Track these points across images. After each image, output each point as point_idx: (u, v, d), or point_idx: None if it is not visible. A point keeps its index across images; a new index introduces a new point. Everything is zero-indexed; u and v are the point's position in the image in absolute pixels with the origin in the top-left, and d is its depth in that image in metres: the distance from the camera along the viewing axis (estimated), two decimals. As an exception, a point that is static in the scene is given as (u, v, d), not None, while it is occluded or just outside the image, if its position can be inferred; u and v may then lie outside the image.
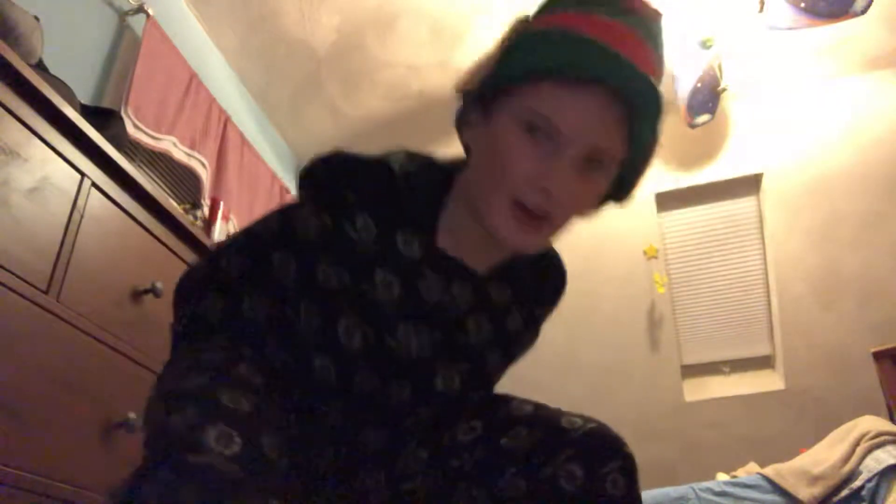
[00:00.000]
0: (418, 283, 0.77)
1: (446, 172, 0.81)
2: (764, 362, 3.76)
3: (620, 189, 0.76)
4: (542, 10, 0.72)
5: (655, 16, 0.71)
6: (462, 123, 0.78)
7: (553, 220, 0.71)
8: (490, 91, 0.72)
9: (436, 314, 0.79)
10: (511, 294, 0.85)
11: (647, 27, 0.69)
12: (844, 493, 2.58)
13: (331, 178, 0.82)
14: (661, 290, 3.55)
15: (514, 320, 0.86)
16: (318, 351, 0.77)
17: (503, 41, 0.71)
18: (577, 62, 0.65)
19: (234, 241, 0.86)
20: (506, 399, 0.85)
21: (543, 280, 0.90)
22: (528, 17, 0.72)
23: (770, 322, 3.64)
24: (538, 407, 0.83)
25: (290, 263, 0.79)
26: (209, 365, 0.68)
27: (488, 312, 0.83)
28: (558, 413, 0.81)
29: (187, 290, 0.85)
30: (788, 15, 2.35)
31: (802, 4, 2.29)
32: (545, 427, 0.78)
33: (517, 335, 0.88)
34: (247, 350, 0.75)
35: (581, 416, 0.80)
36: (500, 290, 0.84)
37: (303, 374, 0.77)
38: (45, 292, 1.15)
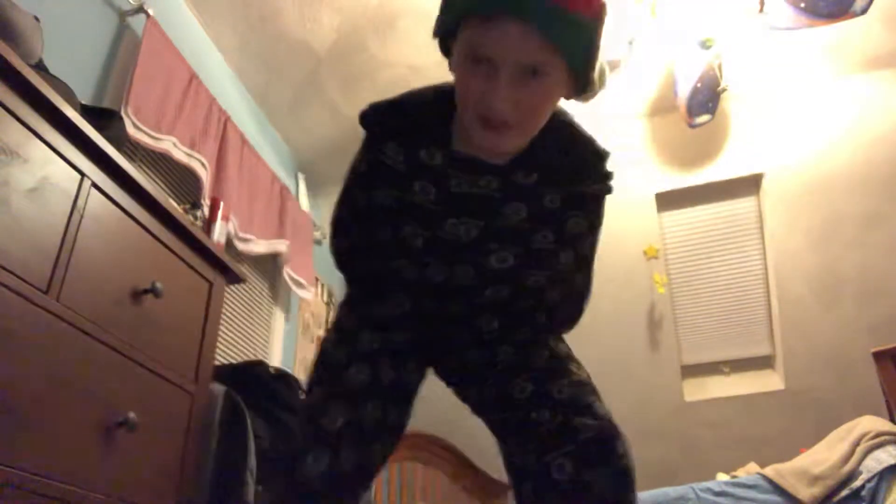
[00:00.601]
0: (449, 184, 0.98)
1: (450, 94, 0.93)
2: (764, 362, 3.76)
3: (578, 84, 0.91)
4: None
5: None
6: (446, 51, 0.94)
7: (512, 124, 0.86)
8: (442, 38, 0.91)
9: (473, 205, 0.98)
10: (538, 177, 0.98)
11: None
12: (844, 493, 2.58)
13: (365, 123, 1.04)
14: (661, 290, 3.55)
15: (552, 199, 1.00)
16: (398, 257, 1.03)
17: None
18: (484, 3, 0.80)
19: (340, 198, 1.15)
20: (561, 372, 1.03)
21: (570, 156, 1.00)
22: None
23: (770, 322, 3.64)
24: (574, 393, 1.00)
25: (360, 197, 1.07)
26: (332, 370, 1.02)
27: (519, 195, 0.98)
28: (583, 408, 0.97)
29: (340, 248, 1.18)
30: (788, 15, 2.35)
31: (802, 4, 2.29)
32: (563, 419, 0.95)
33: (561, 214, 1.01)
34: (366, 307, 1.08)
35: (597, 417, 0.96)
36: (525, 176, 0.98)
37: (397, 281, 1.05)
38: (45, 292, 1.15)
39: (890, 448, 2.58)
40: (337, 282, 3.83)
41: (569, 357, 1.08)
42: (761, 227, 3.49)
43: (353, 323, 1.09)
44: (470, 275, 1.02)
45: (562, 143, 0.99)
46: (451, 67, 0.91)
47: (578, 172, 1.01)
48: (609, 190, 1.06)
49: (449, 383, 1.17)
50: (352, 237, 1.14)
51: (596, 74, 0.91)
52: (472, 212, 0.99)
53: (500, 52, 0.81)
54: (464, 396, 1.15)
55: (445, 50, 0.92)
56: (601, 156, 1.03)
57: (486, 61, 0.82)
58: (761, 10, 2.40)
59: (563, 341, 1.13)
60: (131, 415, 1.28)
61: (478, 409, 1.11)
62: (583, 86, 0.92)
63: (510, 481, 1.02)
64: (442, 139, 0.98)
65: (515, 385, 1.02)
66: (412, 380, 1.09)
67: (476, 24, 0.81)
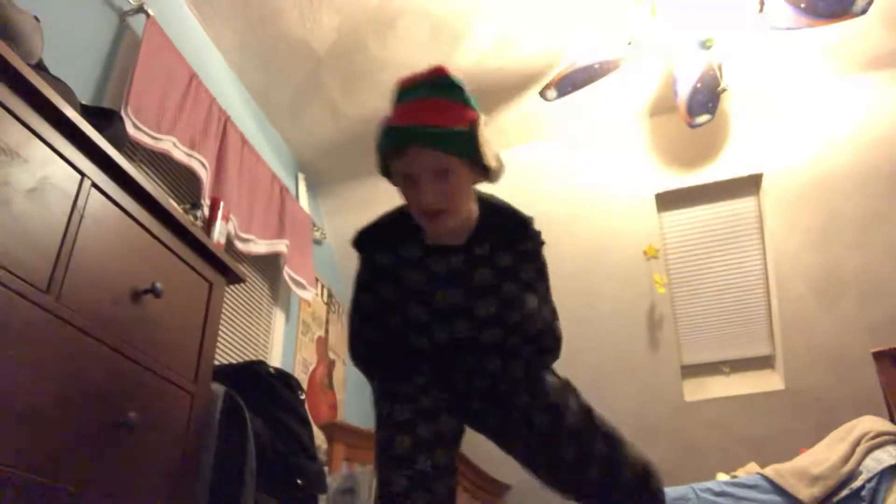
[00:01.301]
0: (429, 267, 1.31)
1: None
2: (764, 362, 3.76)
3: (480, 170, 1.22)
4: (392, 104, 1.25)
5: (428, 75, 1.24)
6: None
7: (443, 212, 1.20)
8: (383, 170, 1.26)
9: (451, 277, 1.30)
10: (489, 247, 1.31)
11: (418, 90, 1.21)
12: (844, 493, 2.59)
13: (358, 244, 1.37)
14: (661, 290, 3.55)
15: (504, 260, 1.32)
16: (413, 333, 1.34)
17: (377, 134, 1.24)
18: (389, 145, 1.19)
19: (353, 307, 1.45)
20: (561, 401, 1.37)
21: (504, 226, 1.33)
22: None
23: (770, 322, 3.65)
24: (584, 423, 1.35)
25: (368, 301, 1.40)
26: (383, 446, 1.27)
27: (481, 263, 1.31)
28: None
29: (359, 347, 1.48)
30: (788, 15, 2.35)
31: (802, 4, 2.29)
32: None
33: (514, 269, 1.33)
34: (400, 385, 1.34)
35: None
36: (481, 248, 1.31)
37: (414, 353, 1.35)
38: (45, 292, 1.15)
39: (890, 448, 2.59)
40: (336, 282, 3.83)
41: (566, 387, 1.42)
42: (761, 227, 3.49)
43: (387, 406, 1.33)
44: (466, 326, 1.31)
45: (496, 220, 1.33)
46: (396, 186, 1.26)
47: (513, 237, 1.34)
48: (539, 243, 1.37)
49: (486, 433, 1.45)
50: (367, 336, 1.42)
51: (493, 162, 1.22)
52: (452, 282, 1.30)
53: (415, 168, 1.16)
54: (501, 442, 1.44)
55: (390, 179, 1.27)
56: (525, 222, 1.35)
57: (411, 177, 1.18)
58: (761, 10, 2.40)
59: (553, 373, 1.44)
60: (131, 415, 1.28)
61: (516, 452, 1.43)
62: (484, 170, 1.22)
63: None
64: (415, 238, 1.31)
65: (534, 418, 1.35)
66: (447, 430, 1.32)
67: (396, 157, 1.18)
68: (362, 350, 1.44)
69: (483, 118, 1.20)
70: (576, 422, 1.33)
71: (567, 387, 1.40)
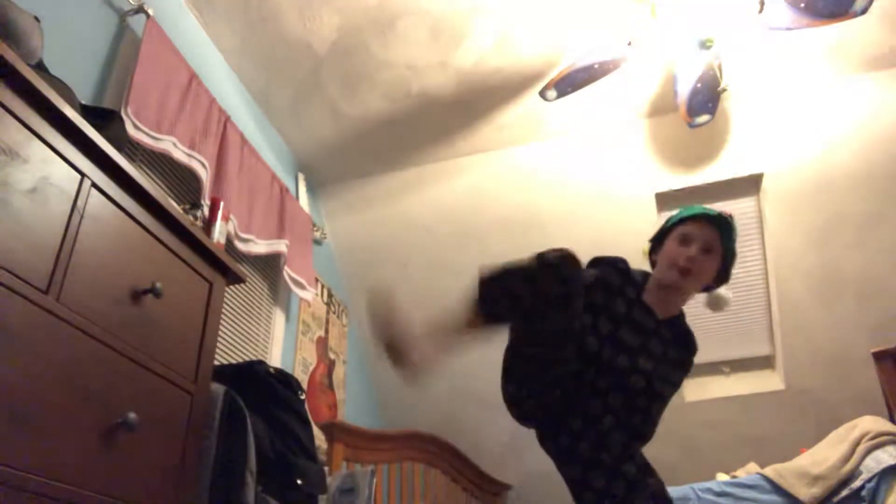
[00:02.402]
0: (633, 310, 1.62)
1: (647, 273, 1.69)
2: (764, 362, 3.76)
3: (723, 272, 1.65)
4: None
5: (729, 216, 1.66)
6: (651, 254, 1.72)
7: (692, 275, 1.58)
8: (663, 234, 1.69)
9: (639, 329, 1.60)
10: (673, 335, 1.65)
11: (726, 217, 1.65)
12: (844, 493, 2.59)
13: (601, 261, 1.72)
14: (661, 290, 3.55)
15: (674, 352, 1.64)
16: (594, 336, 1.56)
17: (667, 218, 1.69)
18: (695, 212, 1.63)
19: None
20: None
21: (687, 336, 1.69)
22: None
23: (770, 322, 3.65)
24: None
25: (580, 299, 1.51)
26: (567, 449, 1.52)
27: (660, 340, 1.61)
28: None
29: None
30: (788, 15, 2.35)
31: (802, 4, 2.29)
32: None
33: (674, 363, 1.63)
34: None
35: None
36: (668, 331, 1.64)
37: (590, 350, 1.56)
38: (45, 292, 1.15)
39: (890, 448, 2.59)
40: (336, 282, 3.83)
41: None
42: (761, 227, 3.49)
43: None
44: (625, 362, 1.55)
45: (686, 328, 1.69)
46: (656, 257, 1.68)
47: (687, 346, 1.67)
48: (691, 366, 1.69)
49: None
50: (542, 327, 1.54)
51: (721, 293, 1.67)
52: (638, 331, 1.60)
53: (698, 235, 1.59)
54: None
55: (651, 252, 1.72)
56: (697, 346, 1.69)
57: (689, 240, 1.59)
58: (761, 10, 2.40)
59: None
60: (131, 415, 1.28)
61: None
62: (723, 276, 1.65)
63: None
64: (637, 289, 1.65)
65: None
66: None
67: (686, 225, 1.62)
68: (532, 342, 1.54)
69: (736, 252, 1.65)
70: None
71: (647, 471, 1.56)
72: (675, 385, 1.64)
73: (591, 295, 1.58)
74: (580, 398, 1.54)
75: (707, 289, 1.67)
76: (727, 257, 1.62)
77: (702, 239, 1.58)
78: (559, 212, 3.55)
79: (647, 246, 3.71)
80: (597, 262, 1.68)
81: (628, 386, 1.54)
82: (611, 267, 1.66)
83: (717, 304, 1.68)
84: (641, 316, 1.61)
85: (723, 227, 1.59)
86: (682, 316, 1.69)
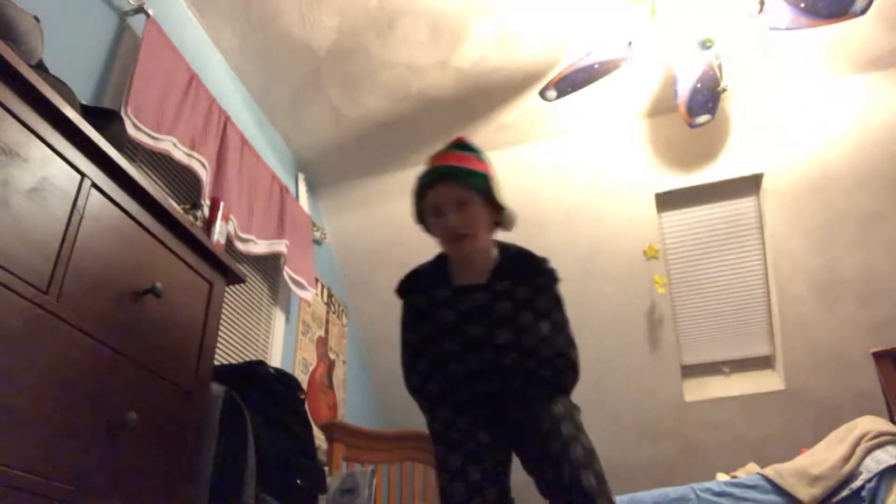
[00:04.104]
0: (458, 305, 1.56)
1: (440, 255, 1.64)
2: (764, 362, 3.76)
3: (494, 208, 1.55)
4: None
5: (450, 142, 1.62)
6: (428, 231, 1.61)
7: (466, 236, 1.50)
8: (420, 212, 1.60)
9: (476, 312, 1.54)
10: (509, 283, 1.55)
11: (442, 150, 1.60)
12: (844, 493, 2.58)
13: (400, 289, 1.67)
14: (661, 291, 3.55)
15: (522, 293, 1.54)
16: (452, 360, 1.54)
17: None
18: (422, 183, 1.56)
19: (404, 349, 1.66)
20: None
21: (521, 264, 1.58)
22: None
23: (770, 322, 3.65)
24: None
25: (413, 338, 1.62)
26: (453, 447, 1.50)
27: (502, 297, 1.54)
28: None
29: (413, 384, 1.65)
30: (788, 15, 2.35)
31: (802, 5, 2.29)
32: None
33: (531, 300, 1.54)
34: (444, 412, 1.57)
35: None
36: (501, 284, 1.55)
37: (458, 373, 1.54)
38: (45, 292, 1.15)
39: (890, 448, 2.58)
40: (336, 282, 3.83)
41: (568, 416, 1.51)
42: (761, 227, 3.49)
43: (440, 429, 1.55)
44: (490, 353, 1.51)
45: (514, 259, 1.58)
46: (429, 229, 1.58)
47: (529, 273, 1.57)
48: (553, 279, 1.59)
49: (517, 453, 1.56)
50: (420, 369, 1.59)
51: (507, 212, 1.56)
52: (477, 316, 1.53)
53: (441, 199, 1.50)
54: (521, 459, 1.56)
55: (424, 227, 1.61)
56: (539, 259, 1.59)
57: (439, 209, 1.50)
58: (761, 11, 2.40)
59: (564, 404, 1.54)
60: (131, 415, 1.28)
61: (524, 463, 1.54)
62: (498, 210, 1.54)
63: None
64: (445, 281, 1.59)
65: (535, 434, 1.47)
66: (488, 448, 1.50)
67: (427, 194, 1.53)
68: (418, 382, 1.61)
69: (494, 170, 1.55)
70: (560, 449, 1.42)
71: (571, 415, 1.49)
72: (550, 308, 1.56)
73: (420, 328, 1.59)
74: (502, 409, 1.53)
75: (496, 224, 1.58)
76: (483, 191, 1.50)
77: (448, 200, 1.48)
78: (559, 211, 3.54)
79: (647, 246, 3.73)
80: (398, 294, 1.66)
81: (505, 365, 1.50)
82: (411, 290, 1.63)
83: (509, 224, 1.57)
84: (470, 300, 1.55)
85: (456, 176, 1.49)
86: (501, 252, 1.59)
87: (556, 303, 1.58)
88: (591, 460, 1.40)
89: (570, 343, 1.56)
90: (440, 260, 1.63)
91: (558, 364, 1.52)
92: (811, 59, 2.98)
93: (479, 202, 1.50)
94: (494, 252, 1.58)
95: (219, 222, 2.00)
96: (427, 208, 1.54)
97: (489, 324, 1.52)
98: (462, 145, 1.60)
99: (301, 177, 3.58)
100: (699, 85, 2.72)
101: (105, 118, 1.60)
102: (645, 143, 3.37)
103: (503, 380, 1.52)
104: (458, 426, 1.51)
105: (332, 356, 3.56)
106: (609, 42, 2.62)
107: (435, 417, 1.58)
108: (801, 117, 3.18)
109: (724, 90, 2.76)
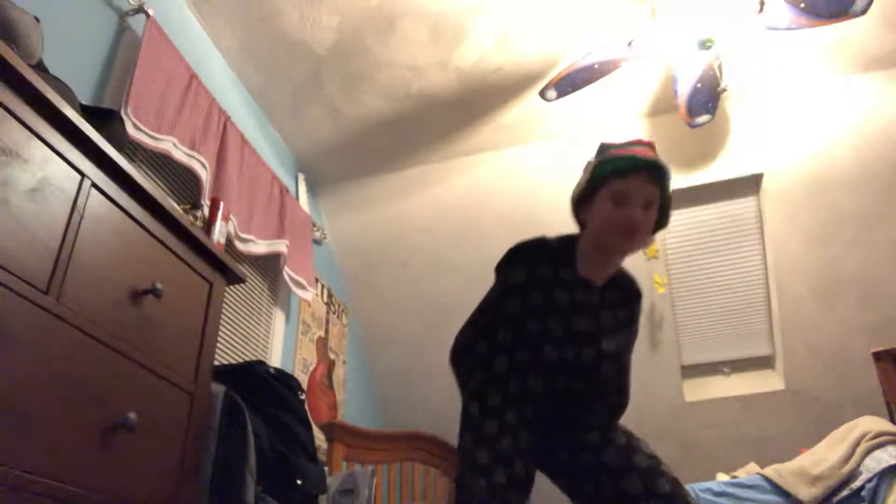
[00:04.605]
0: (575, 294, 1.45)
1: (573, 238, 1.51)
2: (764, 362, 3.76)
3: (661, 219, 1.46)
4: (603, 150, 1.48)
5: (652, 144, 1.49)
6: (577, 213, 1.52)
7: (638, 236, 1.39)
8: (592, 190, 1.45)
9: (586, 308, 1.45)
10: (618, 296, 1.50)
11: (639, 145, 1.46)
12: (844, 493, 2.58)
13: (523, 253, 1.51)
14: (661, 291, 3.55)
15: (620, 313, 1.50)
16: (547, 343, 1.41)
17: (591, 166, 1.47)
18: (621, 166, 1.39)
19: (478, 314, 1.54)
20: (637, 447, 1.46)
21: (629, 287, 1.53)
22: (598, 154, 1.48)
23: (770, 322, 3.65)
24: (651, 462, 1.42)
25: (514, 303, 1.45)
26: (487, 440, 1.33)
27: (607, 308, 1.48)
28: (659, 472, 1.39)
29: (462, 346, 1.53)
30: (788, 15, 2.35)
31: (802, 5, 2.29)
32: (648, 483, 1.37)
33: (625, 323, 1.50)
34: (505, 397, 1.40)
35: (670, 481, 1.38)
36: (611, 294, 1.50)
37: (541, 360, 1.41)
38: (45, 292, 1.15)
39: (890, 448, 2.58)
40: (336, 282, 3.83)
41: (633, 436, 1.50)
42: (761, 227, 3.49)
43: (498, 405, 1.39)
44: (592, 352, 1.43)
45: (626, 280, 1.53)
46: (586, 214, 1.47)
47: (631, 299, 1.53)
48: (640, 310, 1.55)
49: (552, 471, 1.50)
50: (499, 338, 1.45)
51: (667, 221, 1.48)
52: (588, 313, 1.45)
53: (633, 191, 1.37)
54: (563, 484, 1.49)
55: (577, 211, 1.51)
56: (640, 291, 1.55)
57: (626, 199, 1.38)
58: (761, 10, 2.40)
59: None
60: (131, 415, 1.28)
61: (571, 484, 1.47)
62: (661, 224, 1.47)
63: None
64: (571, 265, 1.48)
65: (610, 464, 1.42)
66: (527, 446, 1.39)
67: (618, 181, 1.39)
68: (486, 348, 1.46)
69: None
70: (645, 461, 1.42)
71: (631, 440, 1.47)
72: (632, 343, 1.54)
73: (529, 297, 1.44)
74: (559, 411, 1.45)
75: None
76: (666, 204, 1.44)
77: (642, 196, 1.37)
78: (559, 212, 3.53)
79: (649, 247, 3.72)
80: (516, 254, 1.51)
81: (601, 377, 1.44)
82: (537, 256, 1.48)
83: (649, 242, 1.51)
84: (585, 295, 1.45)
85: (660, 176, 1.40)
86: (619, 270, 1.54)
87: (636, 335, 1.56)
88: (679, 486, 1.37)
89: (630, 378, 1.53)
90: (570, 242, 1.50)
91: (624, 398, 1.51)
92: (811, 59, 2.98)
93: (657, 211, 1.42)
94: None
95: (219, 222, 2.00)
96: (608, 192, 1.40)
97: (596, 326, 1.44)
98: (655, 149, 1.49)
99: (301, 177, 3.58)
100: (699, 85, 2.72)
101: (105, 118, 1.60)
102: (645, 143, 3.37)
103: (588, 385, 1.44)
104: (507, 419, 1.36)
105: (332, 356, 3.56)
106: (609, 42, 2.62)
107: (483, 400, 1.40)
108: (801, 117, 3.18)
109: (724, 90, 2.76)
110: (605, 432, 1.45)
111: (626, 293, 1.52)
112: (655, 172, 1.38)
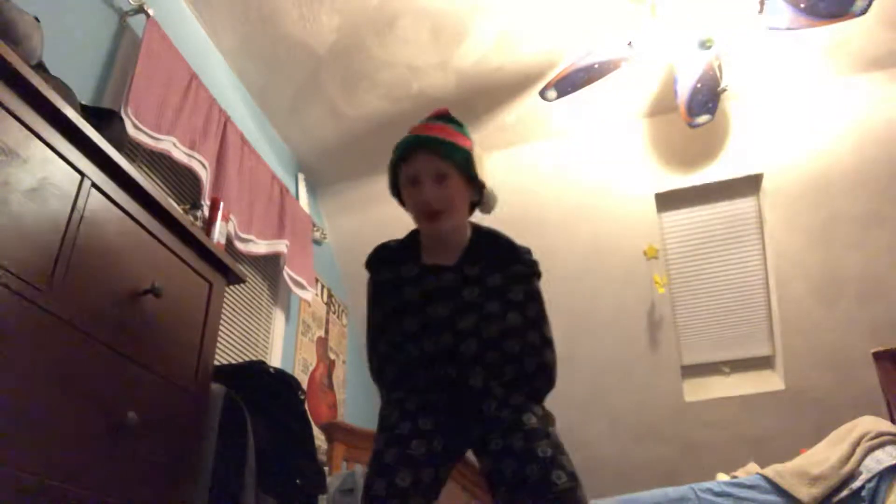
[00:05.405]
0: (424, 284, 1.44)
1: (415, 232, 1.53)
2: (764, 362, 3.76)
3: (474, 187, 1.44)
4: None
5: (433, 113, 1.53)
6: (405, 207, 1.49)
7: (441, 212, 1.39)
8: (393, 187, 1.50)
9: (442, 294, 1.42)
10: (480, 268, 1.44)
11: (425, 120, 1.50)
12: (844, 493, 2.58)
13: (368, 262, 1.57)
14: (661, 291, 3.55)
15: (494, 280, 1.43)
16: (410, 341, 1.41)
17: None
18: (400, 152, 1.43)
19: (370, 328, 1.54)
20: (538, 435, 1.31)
21: (496, 249, 1.48)
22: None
23: (770, 322, 3.65)
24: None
25: (377, 313, 1.50)
26: (387, 432, 1.36)
27: (471, 282, 1.43)
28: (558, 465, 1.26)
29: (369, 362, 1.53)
30: (788, 15, 2.35)
31: (802, 5, 2.29)
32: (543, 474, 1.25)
33: (502, 289, 1.42)
34: (400, 394, 1.42)
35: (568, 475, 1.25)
36: (471, 269, 1.44)
37: (413, 355, 1.41)
38: (45, 292, 1.15)
39: (890, 448, 2.58)
40: (336, 282, 3.83)
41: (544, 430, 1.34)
42: (761, 227, 3.49)
43: (393, 416, 1.39)
44: (450, 337, 1.39)
45: (489, 243, 1.49)
46: (405, 204, 1.46)
47: (505, 259, 1.46)
48: (532, 270, 1.47)
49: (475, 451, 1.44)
50: (380, 350, 1.48)
51: (485, 182, 1.45)
52: (442, 298, 1.42)
53: (419, 170, 1.38)
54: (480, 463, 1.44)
55: (400, 201, 1.50)
56: (520, 248, 1.49)
57: (416, 180, 1.39)
58: (761, 11, 2.40)
59: (540, 416, 1.36)
60: (131, 415, 1.28)
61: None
62: (478, 190, 1.45)
63: None
64: (414, 258, 1.49)
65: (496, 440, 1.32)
66: (429, 453, 1.34)
67: (405, 165, 1.41)
68: (377, 363, 1.49)
69: (478, 147, 1.46)
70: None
71: (545, 426, 1.33)
72: (523, 300, 1.42)
73: (384, 305, 1.47)
74: (460, 397, 1.38)
75: (474, 204, 1.47)
76: (465, 167, 1.40)
77: (428, 172, 1.37)
78: (559, 212, 3.54)
79: (647, 246, 3.72)
80: (367, 267, 1.56)
81: (462, 353, 1.36)
82: (378, 264, 1.53)
83: (489, 206, 1.48)
84: (436, 282, 1.43)
85: (436, 145, 1.38)
86: (475, 234, 1.49)
87: (533, 296, 1.45)
88: (575, 487, 1.22)
89: (546, 343, 1.43)
90: (412, 236, 1.53)
91: (527, 364, 1.38)
92: (811, 59, 2.98)
93: (459, 178, 1.39)
94: (468, 233, 1.48)
95: (219, 222, 2.00)
96: (403, 179, 1.42)
97: (454, 307, 1.40)
98: (446, 117, 1.49)
99: (301, 177, 3.58)
100: (699, 85, 2.72)
101: (105, 118, 1.60)
102: (645, 143, 3.37)
103: (460, 368, 1.37)
104: (407, 408, 1.37)
105: (332, 356, 3.55)
106: (609, 42, 2.62)
107: (387, 403, 1.43)
108: (801, 117, 3.18)
109: (724, 90, 2.76)
110: (518, 412, 1.33)
111: (494, 257, 1.46)
112: (428, 145, 1.38)
